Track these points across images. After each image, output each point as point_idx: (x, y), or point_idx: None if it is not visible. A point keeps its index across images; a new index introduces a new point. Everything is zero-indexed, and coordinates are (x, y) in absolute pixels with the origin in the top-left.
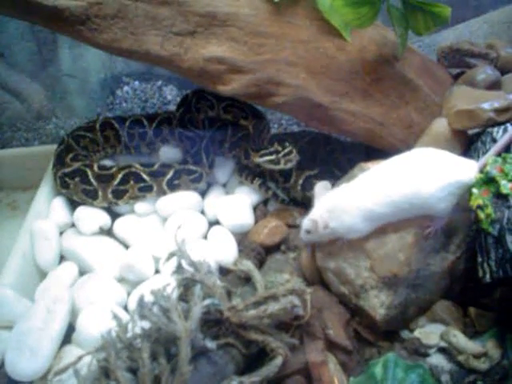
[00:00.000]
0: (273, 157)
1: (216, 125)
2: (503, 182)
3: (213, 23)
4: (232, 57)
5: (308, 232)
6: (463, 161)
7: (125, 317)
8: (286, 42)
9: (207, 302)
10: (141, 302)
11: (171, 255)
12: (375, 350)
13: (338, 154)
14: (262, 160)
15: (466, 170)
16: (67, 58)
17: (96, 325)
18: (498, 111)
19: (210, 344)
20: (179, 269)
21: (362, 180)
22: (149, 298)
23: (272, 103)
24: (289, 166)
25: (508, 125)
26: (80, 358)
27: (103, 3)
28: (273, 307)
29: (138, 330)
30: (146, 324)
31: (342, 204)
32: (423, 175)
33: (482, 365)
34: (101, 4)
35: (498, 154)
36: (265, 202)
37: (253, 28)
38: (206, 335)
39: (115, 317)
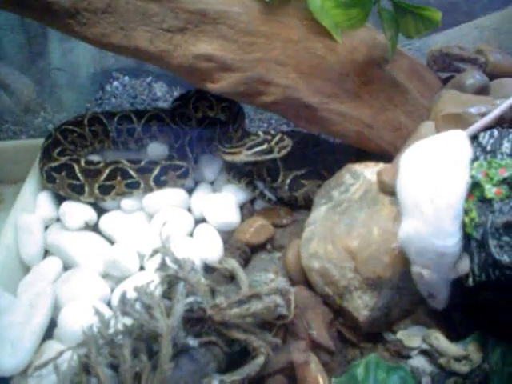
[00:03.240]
0: (264, 146)
1: (205, 122)
2: (488, 187)
3: (203, 21)
4: (222, 55)
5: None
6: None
7: (108, 313)
8: (276, 41)
9: (190, 299)
10: (123, 299)
11: (155, 252)
12: (358, 351)
13: (326, 154)
14: (251, 152)
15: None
16: (57, 52)
17: (78, 320)
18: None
19: (192, 342)
20: (163, 266)
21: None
22: (132, 295)
23: (261, 102)
24: (283, 153)
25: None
26: (61, 353)
27: None
28: (256, 306)
29: (120, 327)
30: (129, 320)
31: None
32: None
33: (463, 367)
34: None
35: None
36: (252, 201)
37: (243, 26)
38: (189, 333)
39: (97, 312)
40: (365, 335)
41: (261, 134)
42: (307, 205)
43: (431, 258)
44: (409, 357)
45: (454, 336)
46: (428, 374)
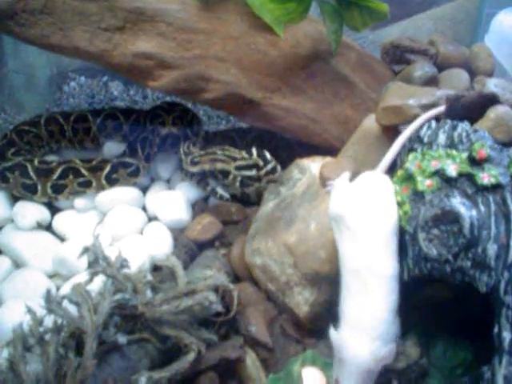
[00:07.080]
0: (253, 172)
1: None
2: (420, 179)
3: (141, 19)
4: (160, 52)
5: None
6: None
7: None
8: (215, 37)
9: (117, 296)
10: (48, 297)
11: (86, 250)
12: (301, 347)
13: (280, 150)
14: (238, 173)
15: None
16: (12, 54)
17: (13, 319)
18: (425, 107)
19: (121, 339)
20: (94, 263)
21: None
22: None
23: (203, 99)
24: (268, 184)
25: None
26: None
27: None
28: (186, 303)
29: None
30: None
31: None
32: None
33: (398, 364)
34: None
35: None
36: (206, 199)
37: (181, 24)
38: (120, 330)
39: (29, 310)
40: (309, 331)
41: (254, 153)
42: (260, 201)
43: None
44: None
45: None
46: None
